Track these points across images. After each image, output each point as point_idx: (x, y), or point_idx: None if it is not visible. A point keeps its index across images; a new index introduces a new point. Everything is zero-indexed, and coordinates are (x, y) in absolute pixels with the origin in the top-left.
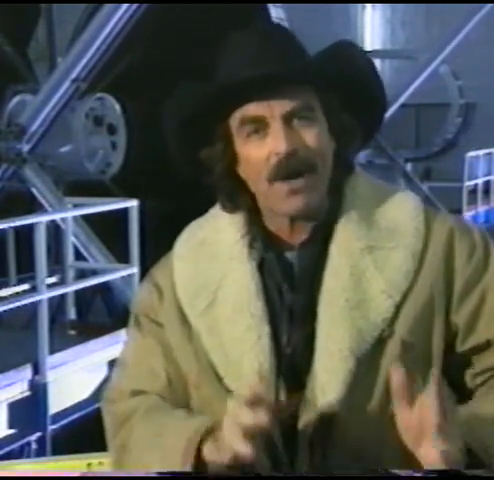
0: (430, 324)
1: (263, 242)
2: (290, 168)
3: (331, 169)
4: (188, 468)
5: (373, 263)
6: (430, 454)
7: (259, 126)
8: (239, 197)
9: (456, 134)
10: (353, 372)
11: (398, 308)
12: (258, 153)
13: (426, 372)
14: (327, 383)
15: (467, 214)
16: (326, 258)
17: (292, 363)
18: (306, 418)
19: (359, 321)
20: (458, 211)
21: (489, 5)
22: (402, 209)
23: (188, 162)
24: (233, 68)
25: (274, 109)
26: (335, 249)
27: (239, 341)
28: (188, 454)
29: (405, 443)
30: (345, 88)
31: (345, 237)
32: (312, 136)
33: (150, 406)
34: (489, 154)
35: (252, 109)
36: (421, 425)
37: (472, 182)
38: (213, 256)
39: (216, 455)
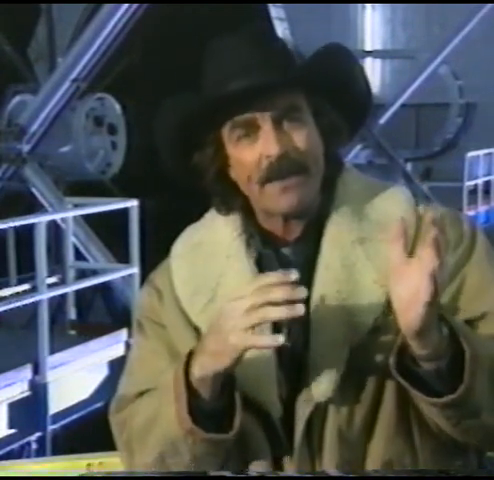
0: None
1: (260, 239)
2: (281, 170)
3: (322, 167)
4: (183, 396)
5: (364, 254)
6: (414, 313)
7: (250, 129)
8: (232, 199)
9: (456, 134)
10: (346, 361)
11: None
12: (249, 156)
13: None
14: (321, 372)
15: (467, 214)
16: (319, 252)
17: (292, 356)
18: (302, 408)
19: (352, 311)
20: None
21: (489, 5)
22: (393, 202)
23: (180, 168)
24: (223, 79)
25: (264, 112)
26: (327, 242)
27: None
28: (178, 379)
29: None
30: (334, 90)
31: (336, 230)
32: (302, 137)
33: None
34: (489, 154)
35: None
36: (416, 278)
37: (472, 182)
38: (210, 255)
39: (212, 358)
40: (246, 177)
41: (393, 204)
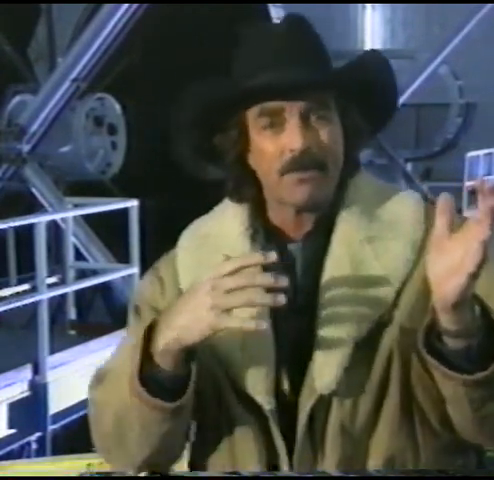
0: (427, 310)
1: (265, 235)
2: (302, 163)
3: (340, 167)
4: (137, 357)
5: (373, 252)
6: (453, 286)
7: (276, 119)
8: (247, 187)
9: (456, 134)
10: (350, 355)
11: (397, 295)
12: (272, 146)
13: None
14: (324, 365)
15: (467, 214)
16: (328, 249)
17: (293, 351)
18: (305, 401)
19: (358, 307)
20: (458, 211)
21: (489, 5)
22: (403, 204)
23: (199, 151)
24: (255, 67)
25: (293, 105)
26: (336, 240)
27: (239, 328)
28: (138, 342)
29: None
30: (363, 94)
31: (346, 228)
32: (326, 135)
33: None
34: (489, 154)
35: (272, 103)
36: (461, 254)
37: (472, 182)
38: (216, 248)
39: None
40: (266, 166)
41: (403, 206)
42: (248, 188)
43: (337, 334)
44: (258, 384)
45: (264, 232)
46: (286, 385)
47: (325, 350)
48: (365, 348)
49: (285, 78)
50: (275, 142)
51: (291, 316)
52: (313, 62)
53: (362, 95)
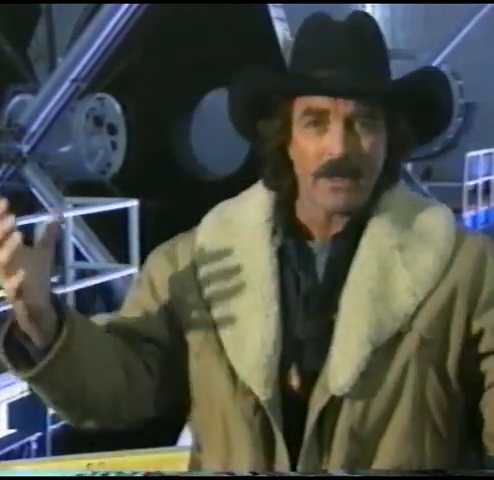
0: (448, 325)
1: (285, 230)
2: (338, 170)
3: (378, 176)
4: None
5: (402, 260)
6: None
7: (320, 119)
8: (283, 177)
9: (456, 134)
10: (368, 360)
11: (420, 306)
12: (312, 146)
13: (441, 367)
14: (340, 367)
15: (467, 214)
16: (355, 251)
17: (307, 349)
18: (315, 400)
19: (380, 312)
20: (458, 211)
21: (489, 5)
22: (435, 217)
23: (246, 133)
24: (311, 62)
25: (339, 107)
26: (365, 243)
27: (246, 318)
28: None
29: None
30: (417, 109)
31: (377, 234)
32: (368, 143)
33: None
34: (489, 154)
35: (318, 101)
36: None
37: (472, 182)
38: (236, 235)
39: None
40: (304, 164)
41: (436, 220)
42: (284, 179)
43: (356, 337)
44: (255, 374)
45: (285, 227)
46: (296, 381)
47: (342, 351)
48: (383, 354)
49: (341, 80)
50: (316, 142)
51: (308, 314)
52: (370, 68)
53: (416, 110)
